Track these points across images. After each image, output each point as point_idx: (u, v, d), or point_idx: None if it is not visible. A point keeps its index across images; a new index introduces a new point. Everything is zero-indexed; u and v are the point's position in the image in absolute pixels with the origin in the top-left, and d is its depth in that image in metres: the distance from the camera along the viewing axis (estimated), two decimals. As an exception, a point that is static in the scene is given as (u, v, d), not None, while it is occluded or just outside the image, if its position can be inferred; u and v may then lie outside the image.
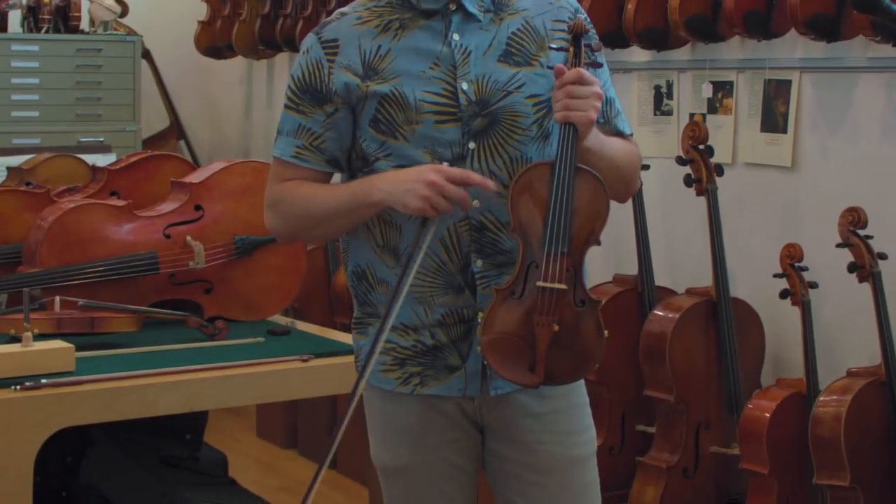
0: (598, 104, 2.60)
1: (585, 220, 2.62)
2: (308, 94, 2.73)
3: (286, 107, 2.78)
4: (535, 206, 2.61)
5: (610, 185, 2.69)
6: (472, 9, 2.71)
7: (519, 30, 2.74)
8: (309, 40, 2.76)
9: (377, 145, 2.71)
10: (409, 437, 2.80)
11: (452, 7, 2.71)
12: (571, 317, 2.59)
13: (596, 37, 2.76)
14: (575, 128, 2.59)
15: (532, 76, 2.72)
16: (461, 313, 2.69)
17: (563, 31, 2.75)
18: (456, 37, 2.70)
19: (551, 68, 2.64)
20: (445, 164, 2.63)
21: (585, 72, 2.61)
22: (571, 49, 2.67)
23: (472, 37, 2.71)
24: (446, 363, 2.74)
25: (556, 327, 2.56)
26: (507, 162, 2.69)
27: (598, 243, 2.66)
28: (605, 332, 2.64)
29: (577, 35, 2.67)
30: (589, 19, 2.77)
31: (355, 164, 2.77)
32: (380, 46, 2.70)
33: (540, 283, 2.57)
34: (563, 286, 2.57)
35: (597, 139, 2.67)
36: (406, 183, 2.59)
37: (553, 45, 2.73)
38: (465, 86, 2.68)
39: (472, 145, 2.68)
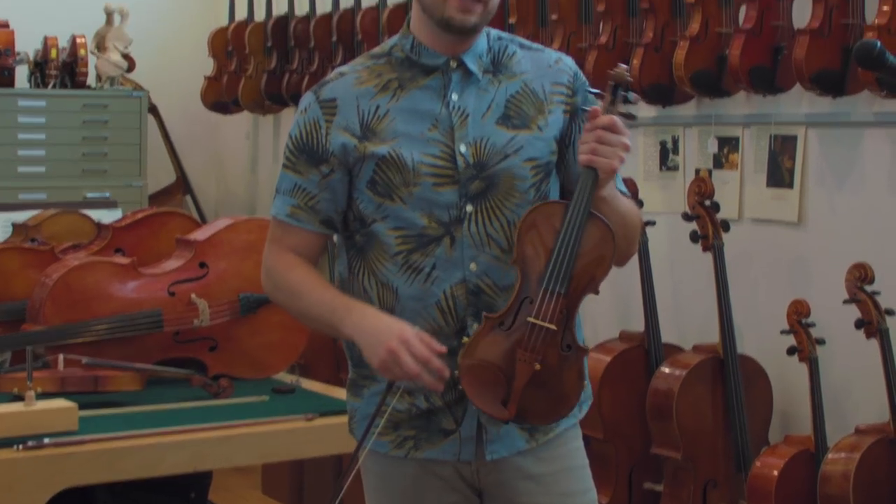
0: (625, 155, 2.60)
1: (588, 266, 2.61)
2: (305, 153, 2.72)
3: (283, 165, 2.77)
4: (542, 242, 2.61)
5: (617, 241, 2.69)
6: (472, 67, 2.71)
7: (518, 92, 2.73)
8: (307, 99, 2.75)
9: (374, 207, 2.69)
10: (406, 501, 2.77)
11: (453, 64, 2.70)
12: (555, 359, 2.58)
13: (634, 93, 2.73)
14: (596, 173, 2.59)
15: (530, 139, 2.71)
16: (456, 377, 2.66)
17: (562, 93, 2.75)
18: (455, 97, 2.69)
19: (563, 139, 2.65)
20: (417, 328, 2.58)
21: (619, 120, 2.60)
22: (609, 97, 2.65)
23: (470, 98, 2.70)
24: (440, 427, 2.71)
25: (538, 366, 2.55)
26: (504, 225, 2.68)
27: (596, 292, 2.66)
28: (586, 382, 2.64)
29: (617, 84, 2.66)
30: (629, 71, 2.74)
31: (353, 226, 2.76)
32: (378, 106, 2.69)
33: (531, 319, 2.56)
34: (554, 326, 2.56)
35: (612, 192, 2.67)
36: (372, 337, 2.58)
37: (591, 90, 2.73)
38: (463, 148, 2.67)
39: (469, 208, 2.67)
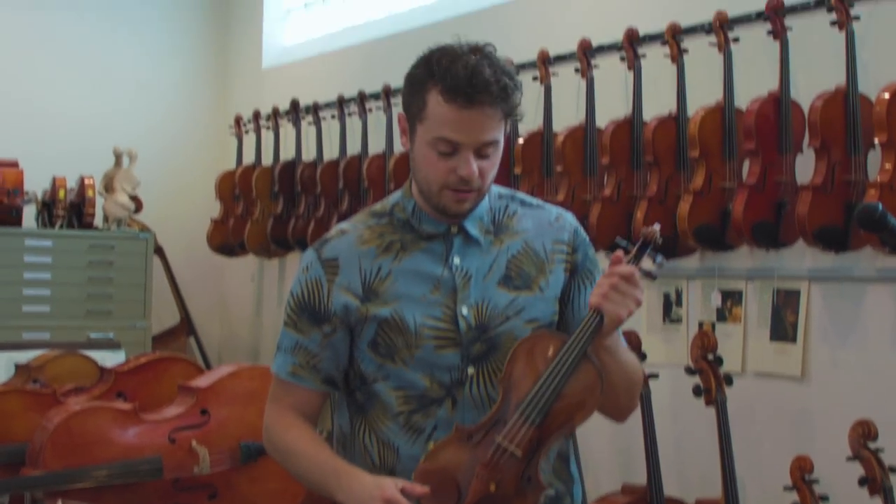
0: (635, 309, 2.60)
1: (569, 406, 2.60)
2: (306, 312, 2.73)
3: (285, 323, 2.77)
4: (532, 368, 2.60)
5: (616, 395, 2.69)
6: (473, 232, 2.72)
7: (519, 252, 2.75)
8: (309, 257, 2.76)
9: (375, 367, 2.70)
10: None
11: (454, 230, 2.72)
12: (512, 487, 2.56)
13: (662, 257, 2.73)
14: (602, 318, 2.58)
15: (531, 300, 2.72)
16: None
17: (562, 251, 2.77)
18: (457, 260, 2.71)
19: (563, 297, 2.66)
20: (401, 482, 2.56)
21: (638, 274, 2.61)
22: (634, 251, 2.66)
23: (472, 260, 2.71)
24: None
25: (493, 487, 2.53)
26: None
27: (570, 435, 2.66)
28: None
29: (646, 241, 2.66)
30: (659, 232, 2.71)
31: (354, 383, 2.76)
32: (380, 268, 2.70)
33: (498, 439, 2.55)
34: (519, 452, 2.55)
35: (616, 343, 2.67)
36: (359, 500, 2.57)
37: (620, 242, 2.71)
38: (464, 310, 2.68)
39: (471, 370, 2.67)
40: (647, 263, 2.67)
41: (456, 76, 2.56)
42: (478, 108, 2.57)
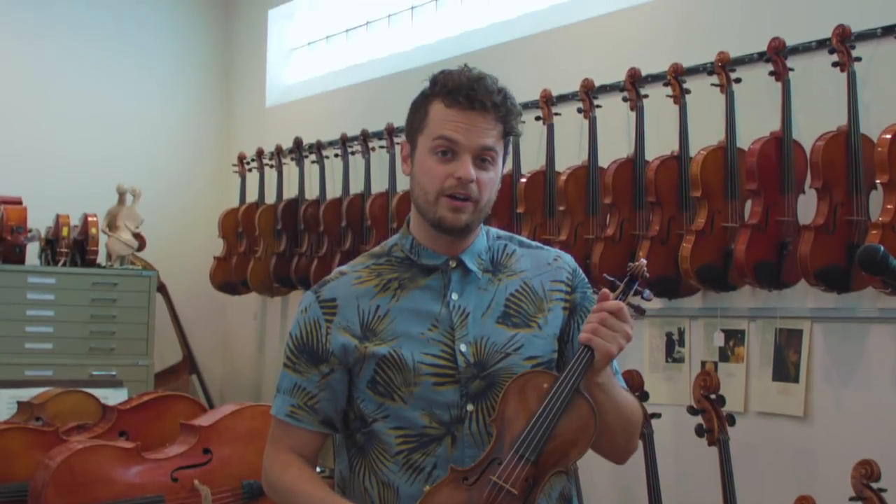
0: (625, 343, 2.61)
1: (564, 442, 2.60)
2: (305, 353, 2.75)
3: (284, 365, 2.79)
4: (525, 407, 2.61)
5: (613, 435, 2.70)
6: (471, 266, 2.74)
7: (518, 290, 2.76)
8: (307, 299, 2.78)
9: (375, 406, 2.70)
10: None
11: (452, 264, 2.73)
12: None
13: (649, 292, 2.75)
14: (592, 354, 2.59)
15: (530, 338, 2.72)
16: None
17: (561, 290, 2.77)
18: (455, 296, 2.72)
19: (562, 336, 2.67)
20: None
21: (627, 309, 2.62)
22: (623, 286, 2.68)
23: (470, 297, 2.72)
24: None
25: None
26: None
27: (569, 473, 2.63)
28: None
29: (634, 276, 2.69)
30: (647, 267, 2.74)
31: (353, 425, 2.77)
32: (378, 307, 2.72)
33: (493, 478, 2.55)
34: (515, 491, 2.54)
35: (610, 381, 2.67)
36: None
37: (609, 276, 2.73)
38: (463, 347, 2.68)
39: (469, 408, 2.67)
40: (635, 299, 2.69)
41: (458, 82, 2.65)
42: (479, 110, 2.64)
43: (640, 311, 2.71)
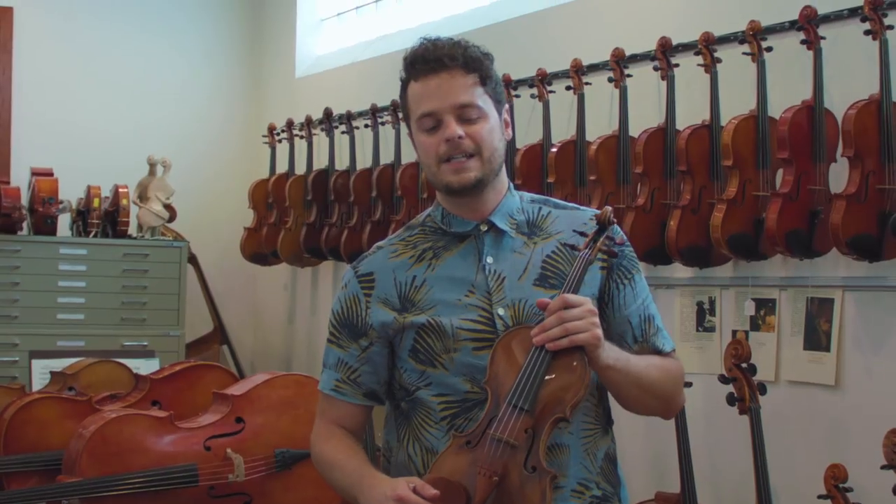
0: (596, 319, 2.59)
1: (555, 388, 2.59)
2: (346, 328, 2.80)
3: (328, 340, 2.85)
4: (513, 362, 2.62)
5: (645, 403, 2.73)
6: (503, 225, 2.75)
7: (554, 252, 2.77)
8: (347, 275, 2.83)
9: (417, 375, 2.74)
10: None
11: (484, 228, 2.75)
12: (517, 477, 2.56)
13: (620, 231, 2.78)
14: (583, 350, 2.58)
15: None
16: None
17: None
18: (490, 260, 2.73)
19: (601, 296, 2.70)
20: (413, 481, 2.58)
21: (569, 295, 2.60)
22: (592, 234, 2.70)
23: (506, 261, 2.74)
24: None
25: (495, 478, 2.54)
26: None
27: (567, 421, 2.62)
28: None
29: (602, 224, 2.71)
30: (613, 214, 2.75)
31: (398, 395, 2.81)
32: (415, 277, 2.75)
33: (491, 432, 2.56)
34: (516, 442, 2.55)
35: (619, 356, 2.67)
36: (374, 501, 2.60)
37: (576, 229, 2.74)
38: (501, 311, 2.70)
39: None
40: (607, 243, 2.70)
41: (416, 55, 2.72)
42: (442, 72, 2.69)
43: (613, 255, 2.73)
